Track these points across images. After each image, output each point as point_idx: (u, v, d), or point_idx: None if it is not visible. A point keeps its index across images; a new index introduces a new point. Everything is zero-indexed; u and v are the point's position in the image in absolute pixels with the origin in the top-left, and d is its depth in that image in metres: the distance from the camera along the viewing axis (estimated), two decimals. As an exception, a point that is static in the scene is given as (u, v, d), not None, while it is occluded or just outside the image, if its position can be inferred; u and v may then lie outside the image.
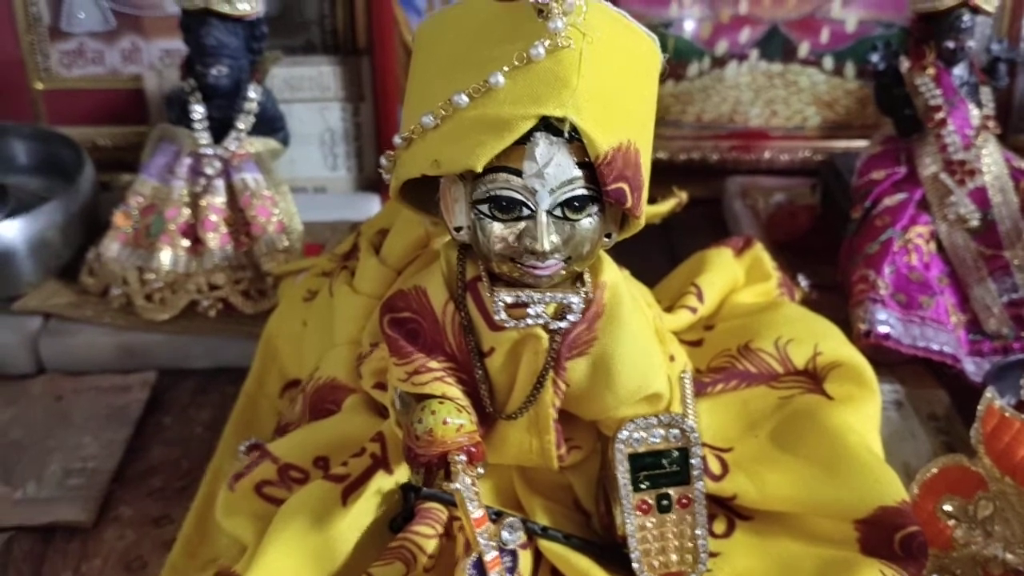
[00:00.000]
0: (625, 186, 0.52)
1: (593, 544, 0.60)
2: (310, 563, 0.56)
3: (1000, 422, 0.66)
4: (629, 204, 0.53)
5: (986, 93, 0.90)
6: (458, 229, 0.54)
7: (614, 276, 0.57)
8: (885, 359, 0.80)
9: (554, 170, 0.51)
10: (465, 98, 0.50)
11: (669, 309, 0.72)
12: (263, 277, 0.90)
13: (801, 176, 1.11)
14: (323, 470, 0.62)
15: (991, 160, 0.88)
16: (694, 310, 0.71)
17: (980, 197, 0.87)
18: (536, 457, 0.59)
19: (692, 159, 1.13)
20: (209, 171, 0.91)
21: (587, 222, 0.53)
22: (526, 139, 0.50)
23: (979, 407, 0.67)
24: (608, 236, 0.56)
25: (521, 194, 0.51)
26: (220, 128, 0.92)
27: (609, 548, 0.60)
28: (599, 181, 0.52)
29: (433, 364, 0.56)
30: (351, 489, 0.58)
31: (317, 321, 0.73)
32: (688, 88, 1.11)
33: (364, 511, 0.58)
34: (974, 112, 0.88)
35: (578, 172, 0.51)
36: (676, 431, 0.59)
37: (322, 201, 1.08)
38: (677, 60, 1.10)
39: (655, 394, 0.59)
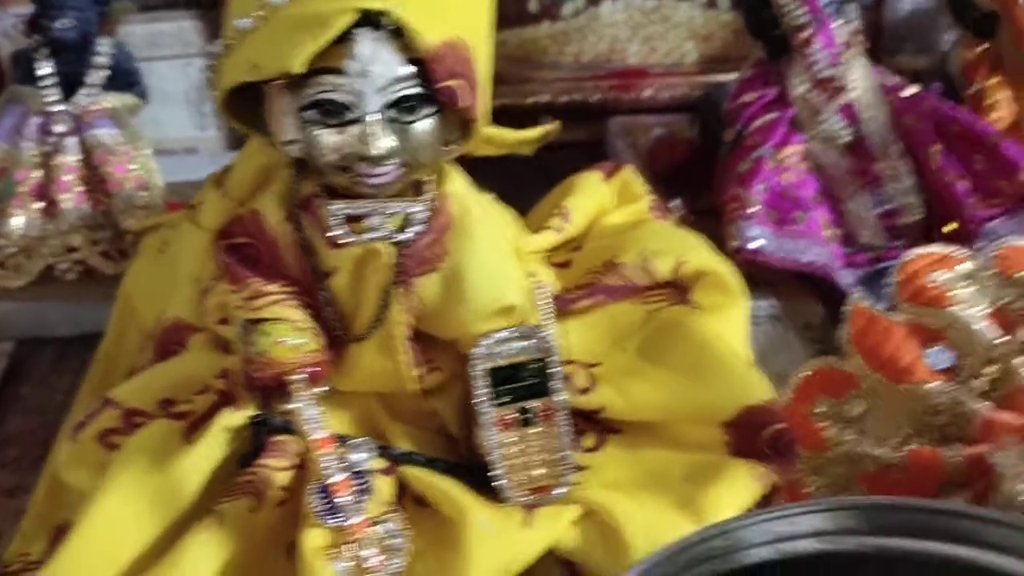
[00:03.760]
0: (458, 84, 0.50)
1: (459, 466, 0.58)
2: (152, 506, 0.53)
3: (867, 321, 0.66)
4: (465, 104, 0.51)
5: (853, 9, 0.90)
6: (289, 143, 0.52)
7: (461, 187, 0.56)
8: (762, 276, 0.80)
9: (379, 68, 0.49)
10: (281, -5, 0.48)
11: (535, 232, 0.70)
12: (123, 236, 0.86)
13: (683, 113, 1.10)
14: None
15: (859, 76, 0.88)
16: (559, 230, 0.70)
17: (850, 113, 0.87)
18: (391, 380, 0.57)
19: (573, 100, 1.11)
20: (59, 129, 0.87)
21: (422, 124, 0.51)
22: (348, 37, 0.48)
23: (846, 307, 0.67)
24: (450, 144, 0.54)
25: (347, 96, 0.49)
26: (71, 84, 0.88)
27: (476, 469, 0.58)
28: (430, 79, 0.49)
29: (271, 287, 0.54)
30: (194, 427, 0.56)
31: (168, 268, 0.69)
32: (564, 28, 1.09)
33: (211, 449, 0.55)
34: (840, 29, 0.88)
35: (407, 70, 0.49)
36: (533, 342, 0.57)
37: (192, 162, 1.03)
38: (553, 1, 1.08)
39: (510, 306, 0.57)
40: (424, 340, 0.58)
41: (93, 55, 0.88)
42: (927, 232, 0.83)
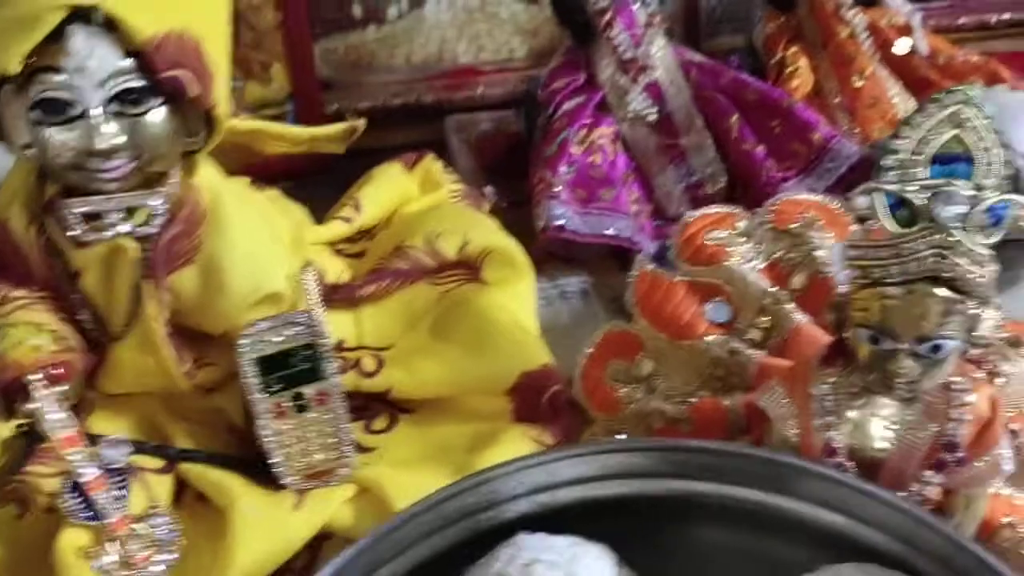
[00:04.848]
0: (184, 74, 0.50)
1: (240, 459, 0.58)
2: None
3: (651, 283, 0.68)
4: (193, 94, 0.51)
5: (652, -9, 0.93)
6: (26, 147, 0.52)
7: (213, 179, 0.56)
8: (573, 255, 0.81)
9: (96, 63, 0.49)
10: (-7, -3, 0.48)
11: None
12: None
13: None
14: (-66, 431, 0.57)
15: (661, 55, 0.91)
16: (348, 220, 0.70)
17: (655, 91, 0.90)
18: (159, 378, 0.57)
19: (408, 103, 1.12)
20: None
21: (151, 117, 0.51)
22: (63, 34, 0.48)
23: (632, 271, 0.69)
24: (195, 137, 0.54)
25: (67, 92, 0.49)
26: None
27: (260, 461, 0.58)
28: (152, 71, 0.50)
29: (16, 293, 0.54)
30: (-42, 441, 0.55)
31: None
32: (391, 31, 1.10)
33: (-23, 463, 0.54)
34: (640, 10, 0.91)
35: (126, 63, 0.50)
36: (300, 327, 0.57)
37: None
38: (376, 5, 1.09)
39: (274, 294, 0.57)
40: (196, 337, 0.58)
41: None
42: (730, 200, 0.86)
